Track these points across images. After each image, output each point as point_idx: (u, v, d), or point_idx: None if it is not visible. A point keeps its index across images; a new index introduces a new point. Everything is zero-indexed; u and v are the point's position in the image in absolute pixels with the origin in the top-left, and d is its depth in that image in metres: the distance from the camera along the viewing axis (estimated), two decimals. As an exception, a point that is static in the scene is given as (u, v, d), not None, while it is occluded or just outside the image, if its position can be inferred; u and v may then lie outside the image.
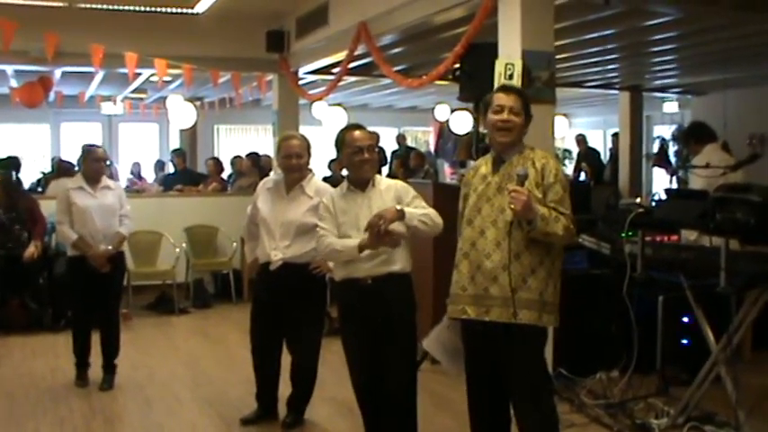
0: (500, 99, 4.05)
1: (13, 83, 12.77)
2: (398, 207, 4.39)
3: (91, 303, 6.49)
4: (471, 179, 4.20)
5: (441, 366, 4.52)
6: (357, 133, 4.62)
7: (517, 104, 4.03)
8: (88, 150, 6.59)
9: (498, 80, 5.82)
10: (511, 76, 5.74)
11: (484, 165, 4.19)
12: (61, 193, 6.63)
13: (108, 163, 6.96)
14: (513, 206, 3.78)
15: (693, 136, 6.69)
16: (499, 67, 5.85)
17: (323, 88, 10.73)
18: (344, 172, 4.85)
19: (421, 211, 4.46)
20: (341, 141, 4.66)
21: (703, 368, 5.16)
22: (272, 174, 10.87)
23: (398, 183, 4.72)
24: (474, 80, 6.31)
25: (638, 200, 5.22)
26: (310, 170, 5.56)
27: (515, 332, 3.90)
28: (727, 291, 4.51)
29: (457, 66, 6.65)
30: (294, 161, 5.41)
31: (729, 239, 4.49)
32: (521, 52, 5.74)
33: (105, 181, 6.61)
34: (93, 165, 6.50)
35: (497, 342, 3.97)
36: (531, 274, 3.92)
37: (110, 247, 6.43)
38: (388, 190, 4.60)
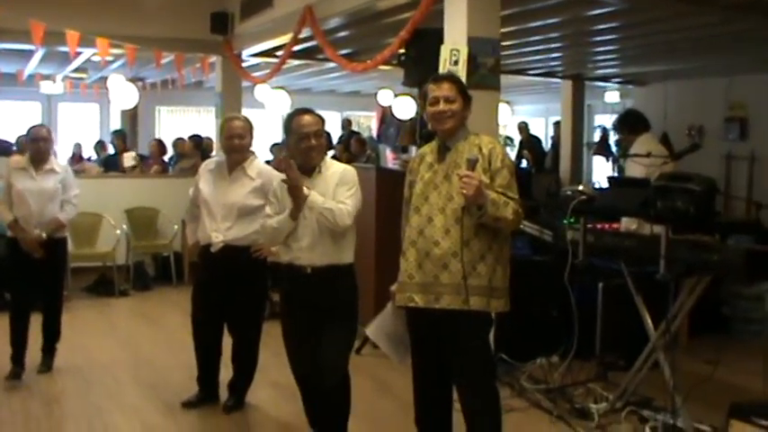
0: (433, 91, 4.09)
1: (-51, 59, 12.49)
2: (306, 191, 4.37)
3: (29, 286, 6.31)
4: (417, 167, 4.21)
5: (383, 351, 4.54)
6: (304, 119, 4.53)
7: (451, 92, 4.06)
8: (29, 129, 6.42)
9: (443, 66, 5.83)
10: (456, 62, 5.76)
11: (429, 152, 4.20)
12: (5, 171, 6.45)
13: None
14: (464, 191, 3.78)
15: (627, 125, 6.74)
16: (444, 53, 5.86)
17: (267, 71, 10.66)
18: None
19: (328, 205, 4.38)
20: (287, 126, 4.61)
21: (642, 354, 5.24)
22: (213, 155, 10.81)
23: (345, 168, 4.63)
24: (419, 65, 6.32)
25: (581, 187, 5.27)
26: (252, 152, 5.52)
27: (463, 318, 3.93)
28: (667, 278, 4.58)
29: (402, 51, 6.65)
30: (236, 142, 5.38)
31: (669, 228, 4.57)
32: (466, 39, 5.74)
33: (52, 163, 6.35)
34: (31, 145, 6.31)
35: (443, 329, 4.00)
36: (481, 261, 3.95)
37: (43, 234, 6.18)
38: (333, 175, 4.55)
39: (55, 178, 6.29)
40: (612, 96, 14.66)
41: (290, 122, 4.59)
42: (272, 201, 4.68)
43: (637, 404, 5.30)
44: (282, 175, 4.47)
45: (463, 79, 5.64)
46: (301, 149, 4.51)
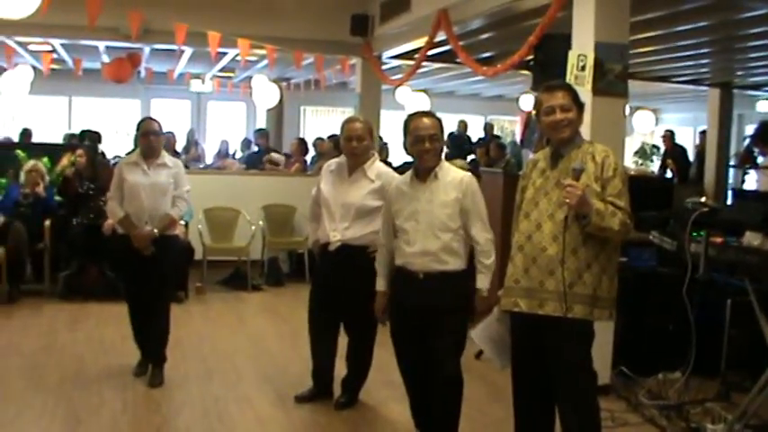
0: (548, 100, 4.05)
1: (105, 58, 13.08)
2: (483, 308, 4.47)
3: (142, 284, 6.08)
4: (530, 173, 4.21)
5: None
6: (422, 121, 4.56)
7: (566, 100, 4.02)
8: (140, 123, 6.24)
9: (570, 72, 5.76)
10: (583, 68, 5.67)
11: (542, 159, 4.18)
12: (117, 167, 6.33)
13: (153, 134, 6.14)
14: (567, 200, 3.79)
15: (761, 137, 6.51)
16: (572, 58, 5.78)
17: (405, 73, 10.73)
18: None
19: (488, 277, 4.51)
20: (405, 128, 4.64)
21: (763, 375, 5.02)
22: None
23: (466, 178, 4.58)
24: (547, 71, 6.25)
25: (704, 199, 5.11)
26: (373, 153, 5.58)
27: (565, 327, 3.89)
28: (789, 297, 4.39)
29: (531, 56, 6.60)
30: (355, 144, 5.43)
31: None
32: (593, 44, 5.65)
33: (164, 158, 6.15)
34: (142, 139, 6.08)
35: (546, 336, 3.96)
36: (587, 269, 3.91)
37: (155, 230, 5.97)
38: (451, 184, 4.54)
39: (167, 173, 6.11)
40: (765, 106, 14.08)
41: (408, 124, 4.62)
42: (384, 205, 4.87)
43: (756, 428, 5.05)
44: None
45: (589, 86, 5.60)
46: (416, 152, 4.56)
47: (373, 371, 5.74)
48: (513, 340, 4.15)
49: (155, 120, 6.29)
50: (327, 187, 5.59)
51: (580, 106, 4.07)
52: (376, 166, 5.53)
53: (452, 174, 4.61)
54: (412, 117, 4.66)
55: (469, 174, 4.70)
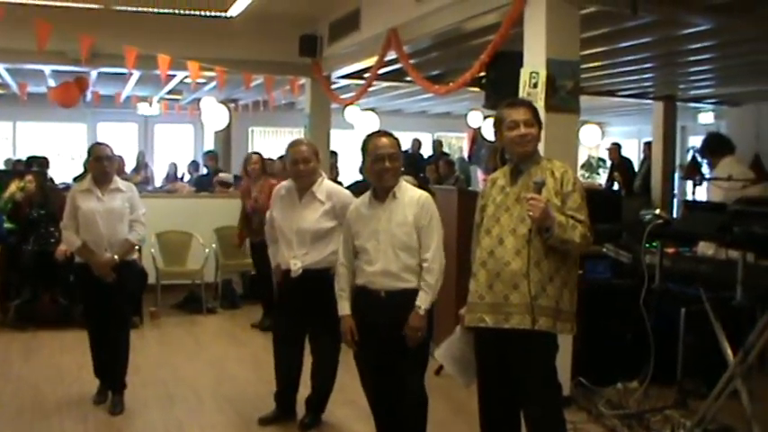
0: (512, 115, 4.11)
1: (51, 83, 12.95)
2: (417, 325, 4.44)
3: (103, 312, 5.99)
4: (489, 191, 4.26)
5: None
6: (381, 141, 4.59)
7: (528, 116, 4.10)
8: (91, 148, 6.13)
9: (523, 89, 5.84)
10: (535, 85, 5.76)
11: (501, 176, 4.24)
12: (69, 195, 6.13)
13: (111, 160, 6.08)
14: (530, 213, 3.85)
15: (709, 148, 6.66)
16: (524, 75, 5.87)
17: (356, 93, 10.79)
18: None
19: (433, 284, 4.47)
20: (364, 148, 4.67)
21: (720, 381, 5.13)
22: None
23: (423, 197, 4.60)
24: (499, 88, 6.34)
25: (658, 211, 5.22)
26: (321, 174, 5.59)
27: (531, 339, 3.94)
28: (743, 304, 4.50)
29: (483, 74, 6.68)
30: (302, 167, 5.44)
31: (747, 253, 4.48)
32: (545, 61, 5.75)
33: (116, 182, 6.02)
34: (95, 164, 5.97)
35: (511, 350, 4.01)
36: (549, 282, 3.97)
37: (115, 257, 5.87)
38: (410, 204, 4.55)
39: (122, 197, 6.01)
40: (706, 117, 14.36)
41: (366, 144, 4.65)
42: (343, 231, 4.86)
43: (715, 432, 5.17)
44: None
45: (542, 102, 5.68)
46: (375, 171, 4.57)
47: (335, 391, 5.74)
48: (478, 356, 4.19)
49: (106, 144, 6.17)
50: (280, 214, 5.60)
51: (540, 123, 4.15)
52: (324, 186, 5.54)
53: (410, 193, 4.63)
54: (370, 137, 4.69)
55: (426, 193, 4.72)
